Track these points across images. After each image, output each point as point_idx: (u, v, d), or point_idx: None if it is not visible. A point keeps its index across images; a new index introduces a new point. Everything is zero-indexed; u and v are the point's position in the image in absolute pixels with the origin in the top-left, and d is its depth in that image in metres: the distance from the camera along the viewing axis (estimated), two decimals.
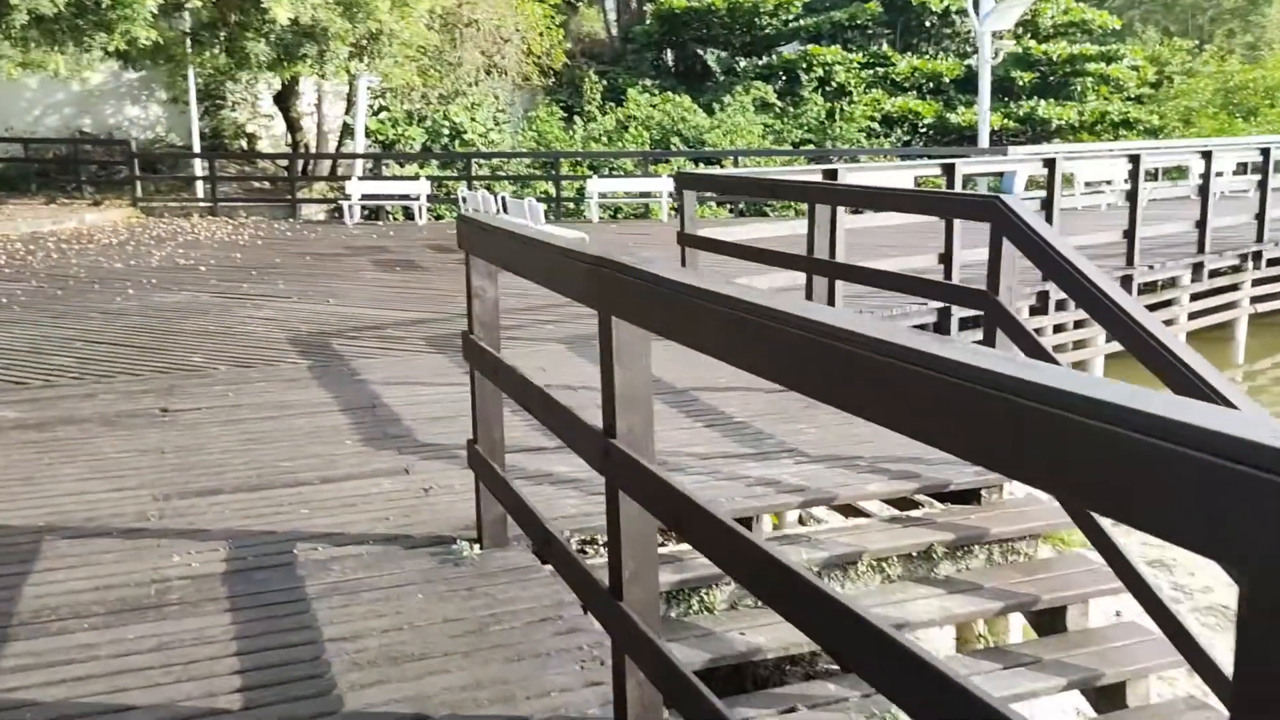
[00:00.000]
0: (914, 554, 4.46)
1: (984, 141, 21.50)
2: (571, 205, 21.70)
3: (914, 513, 4.76)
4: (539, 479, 4.86)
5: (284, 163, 23.24)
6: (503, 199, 13.77)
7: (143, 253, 14.78)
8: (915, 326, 9.95)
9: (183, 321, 9.35)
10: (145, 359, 7.77)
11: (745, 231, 8.66)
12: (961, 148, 26.34)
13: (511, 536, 4.11)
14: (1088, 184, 20.79)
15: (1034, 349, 4.66)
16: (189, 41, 18.84)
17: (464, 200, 15.94)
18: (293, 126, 23.63)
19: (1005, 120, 28.78)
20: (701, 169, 24.57)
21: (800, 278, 8.09)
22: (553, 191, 22.54)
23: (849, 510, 5.03)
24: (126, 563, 3.97)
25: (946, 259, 9.87)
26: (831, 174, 8.88)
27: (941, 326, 9.94)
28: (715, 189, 7.58)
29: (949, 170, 9.87)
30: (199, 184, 21.36)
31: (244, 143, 24.52)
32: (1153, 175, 22.02)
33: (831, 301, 7.62)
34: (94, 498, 4.69)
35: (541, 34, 24.46)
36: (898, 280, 6.40)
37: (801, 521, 4.76)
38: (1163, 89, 33.40)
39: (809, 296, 7.69)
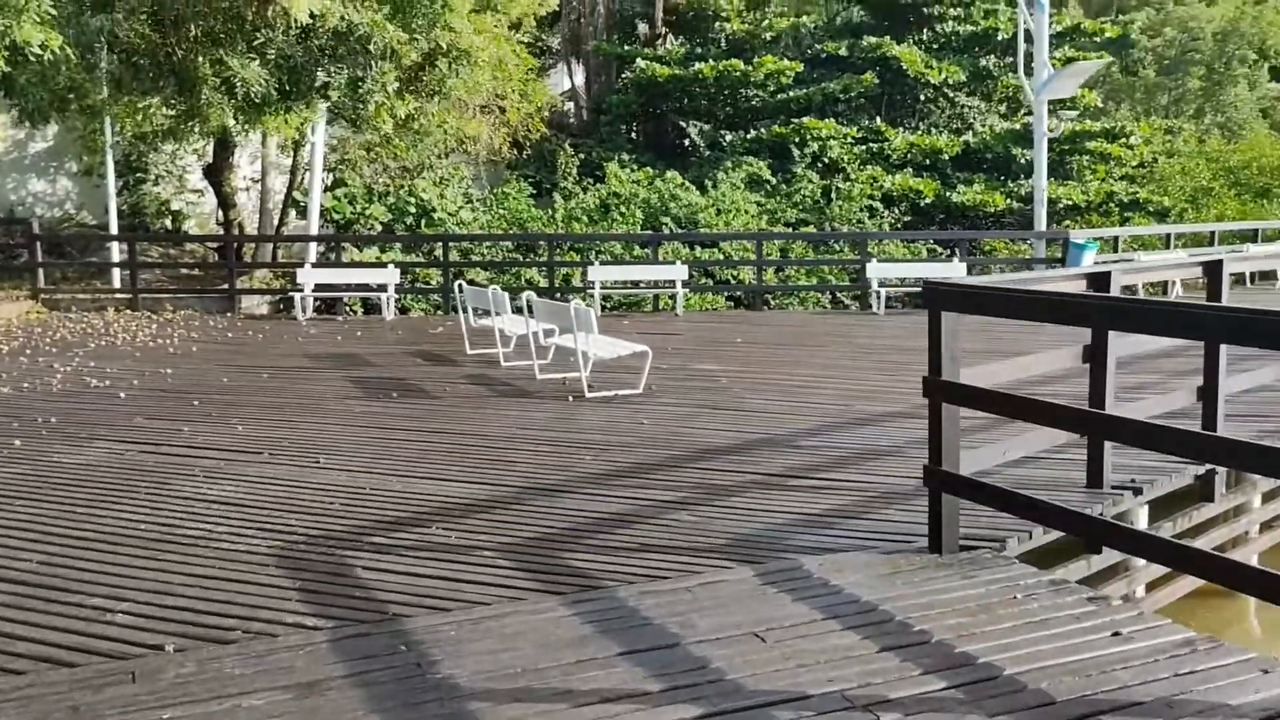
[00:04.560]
0: None
1: (1041, 222, 19.03)
2: (555, 296, 18.61)
3: None
4: None
5: (218, 245, 19.79)
6: (528, 301, 10.55)
7: (41, 368, 11.26)
8: None
9: (93, 513, 5.95)
10: (23, 624, 4.39)
11: (1019, 367, 5.67)
12: (974, 231, 23.93)
13: None
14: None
15: None
16: (111, 78, 12.76)
17: (460, 291, 12.69)
18: (226, 203, 20.17)
19: (1007, 200, 26.57)
20: (700, 254, 21.81)
21: None
22: (538, 279, 19.45)
23: None
24: None
25: (1209, 394, 7.01)
26: (1100, 280, 5.94)
27: None
28: (994, 309, 4.51)
29: (1215, 270, 7.02)
30: (115, 271, 17.80)
31: (168, 222, 21.01)
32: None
33: None
34: None
35: (518, 104, 21.51)
36: None
37: None
38: (1151, 168, 31.75)
39: None
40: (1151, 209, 27.69)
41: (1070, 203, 26.76)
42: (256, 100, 9.62)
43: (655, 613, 4.35)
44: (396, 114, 12.85)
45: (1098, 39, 30.00)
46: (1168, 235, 20.29)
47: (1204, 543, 7.02)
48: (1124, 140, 28.52)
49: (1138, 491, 6.15)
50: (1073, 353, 6.01)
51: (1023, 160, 27.46)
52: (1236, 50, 45.08)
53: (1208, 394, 6.98)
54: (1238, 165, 30.98)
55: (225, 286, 18.02)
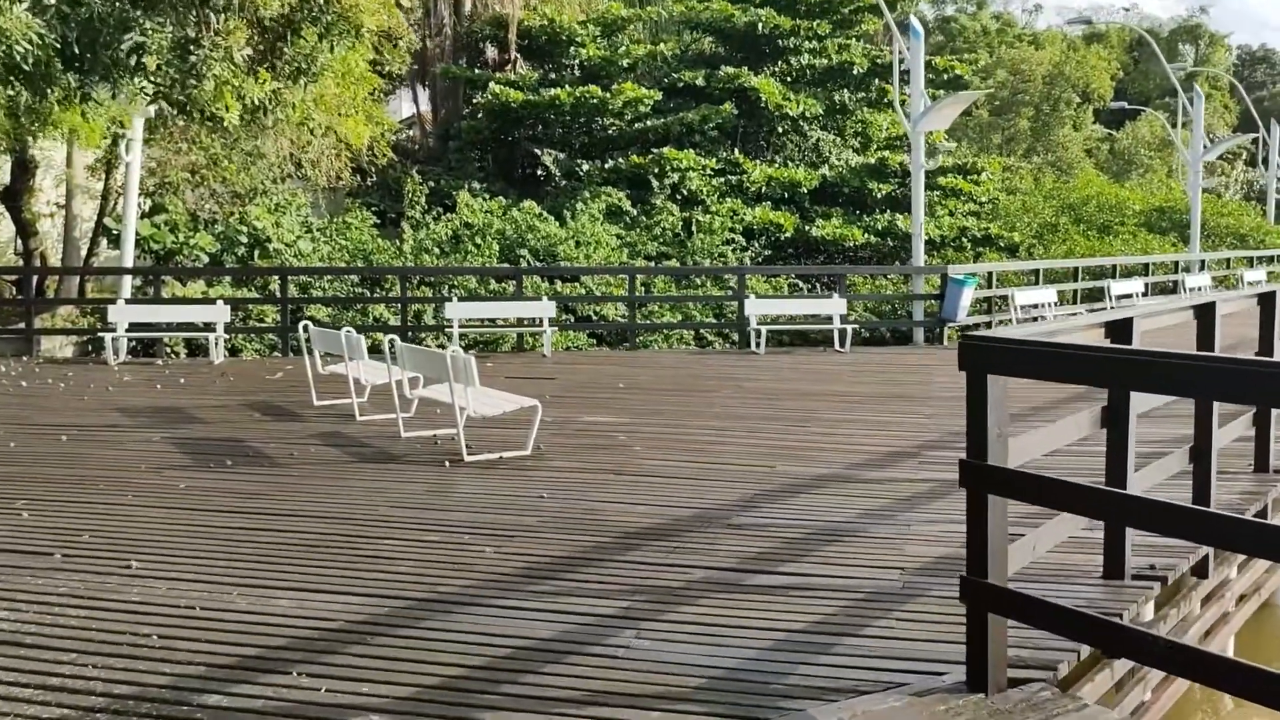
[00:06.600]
0: None
1: (919, 257, 18.50)
2: (409, 335, 16.96)
3: None
4: None
5: (15, 279, 17.37)
6: (391, 342, 9.02)
7: None
8: None
9: None
10: None
11: (1044, 440, 4.56)
12: (846, 266, 23.48)
13: None
14: (1022, 307, 18.25)
15: None
16: None
17: (305, 333, 10.99)
18: (25, 231, 17.78)
19: (865, 235, 26.32)
20: (562, 288, 20.41)
21: None
22: (388, 316, 17.79)
23: None
24: None
25: (1201, 456, 6.13)
26: (1120, 328, 4.96)
27: None
28: (1071, 373, 3.37)
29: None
30: None
31: None
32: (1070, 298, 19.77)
33: None
34: None
35: (363, 126, 19.77)
36: None
37: None
38: (995, 205, 32.34)
39: None
40: (1003, 244, 27.99)
41: (926, 238, 26.72)
42: (27, 68, 6.63)
43: None
44: (246, 98, 9.00)
45: (946, 75, 30.26)
46: (1036, 271, 20.17)
47: (1199, 628, 6.15)
48: (974, 176, 28.75)
49: (1163, 582, 5.16)
50: (1090, 417, 4.98)
51: (878, 194, 27.29)
52: (1062, 93, 46.96)
53: (1199, 455, 6.13)
54: (1077, 202, 31.81)
55: (22, 326, 15.70)
